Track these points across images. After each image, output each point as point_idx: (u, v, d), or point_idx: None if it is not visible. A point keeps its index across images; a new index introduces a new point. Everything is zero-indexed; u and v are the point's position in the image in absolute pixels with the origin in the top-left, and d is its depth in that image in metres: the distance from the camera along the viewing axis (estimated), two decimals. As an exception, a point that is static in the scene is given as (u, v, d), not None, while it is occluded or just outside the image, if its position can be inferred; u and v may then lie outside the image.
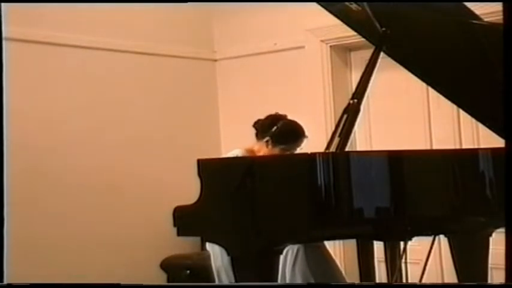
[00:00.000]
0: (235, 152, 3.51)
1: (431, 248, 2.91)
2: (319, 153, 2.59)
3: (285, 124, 3.53)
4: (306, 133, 3.52)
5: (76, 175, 4.60)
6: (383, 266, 2.91)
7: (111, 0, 4.49)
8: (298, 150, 3.48)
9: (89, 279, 4.30)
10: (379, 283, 3.29)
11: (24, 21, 4.29)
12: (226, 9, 5.35)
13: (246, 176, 2.64)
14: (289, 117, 3.60)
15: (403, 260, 2.84)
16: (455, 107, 3.72)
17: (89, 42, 4.74)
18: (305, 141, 3.50)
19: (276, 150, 3.48)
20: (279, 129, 3.49)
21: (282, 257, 2.74)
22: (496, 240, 2.97)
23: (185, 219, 2.79)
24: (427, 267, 2.96)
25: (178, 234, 2.82)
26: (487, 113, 3.12)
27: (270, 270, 2.64)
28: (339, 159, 2.62)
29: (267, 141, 3.50)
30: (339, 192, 2.53)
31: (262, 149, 3.53)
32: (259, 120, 3.59)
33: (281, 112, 3.61)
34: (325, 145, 3.02)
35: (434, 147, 4.56)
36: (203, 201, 2.72)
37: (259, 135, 3.55)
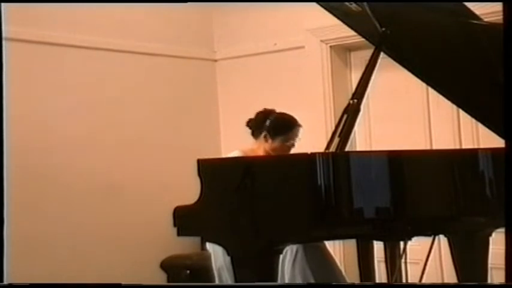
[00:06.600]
0: (235, 153, 3.52)
1: (431, 248, 2.90)
2: (319, 153, 2.59)
3: (277, 115, 3.57)
4: (299, 123, 3.55)
5: (76, 175, 4.60)
6: (383, 266, 2.91)
7: (111, 0, 4.49)
8: (297, 141, 3.52)
9: (89, 279, 4.30)
10: (379, 283, 3.29)
11: (24, 21, 4.29)
12: (226, 9, 5.35)
13: (246, 176, 2.64)
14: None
15: (403, 260, 2.84)
16: (455, 107, 3.71)
17: (89, 42, 4.73)
18: (301, 130, 3.54)
19: (276, 143, 3.51)
20: (273, 121, 3.53)
21: (280, 256, 2.73)
22: (496, 240, 2.97)
23: (185, 219, 2.79)
24: (427, 267, 2.96)
25: (178, 234, 2.82)
26: (487, 113, 3.12)
27: (270, 270, 2.64)
28: (339, 159, 2.62)
29: (265, 136, 3.53)
30: (339, 192, 2.53)
31: (261, 145, 3.55)
32: (251, 119, 3.62)
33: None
34: (325, 145, 3.02)
35: (434, 147, 4.55)
36: (203, 201, 2.72)
37: (255, 132, 3.59)
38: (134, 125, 4.96)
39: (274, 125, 3.53)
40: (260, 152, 3.55)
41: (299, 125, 3.55)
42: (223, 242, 2.75)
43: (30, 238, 4.26)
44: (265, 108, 3.62)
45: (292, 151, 3.52)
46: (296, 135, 3.53)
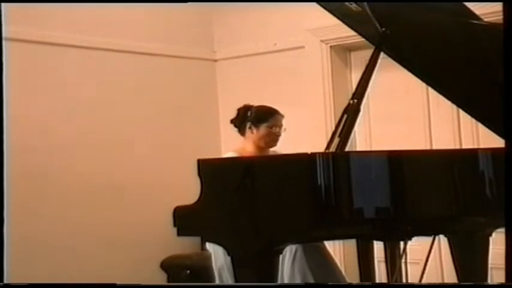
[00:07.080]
0: (229, 154, 3.55)
1: (431, 248, 2.90)
2: (319, 153, 2.59)
3: (258, 106, 3.67)
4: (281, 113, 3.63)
5: (76, 175, 4.59)
6: (383, 266, 2.91)
7: (111, 0, 4.49)
8: (283, 131, 3.59)
9: (89, 279, 4.29)
10: (379, 283, 3.29)
11: (24, 21, 4.29)
12: (226, 9, 5.35)
13: (246, 176, 2.64)
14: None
15: (403, 260, 2.84)
16: (455, 107, 3.72)
17: (89, 42, 4.73)
18: (284, 120, 3.61)
19: (262, 130, 3.58)
20: (255, 111, 3.63)
21: (280, 256, 2.73)
22: (496, 240, 2.96)
23: (185, 219, 2.79)
24: (427, 267, 2.96)
25: (178, 234, 2.82)
26: (487, 113, 3.12)
27: (270, 270, 2.64)
28: (339, 159, 2.62)
29: (250, 128, 3.60)
30: (339, 192, 2.53)
31: (250, 139, 3.61)
32: (233, 118, 3.69)
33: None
34: (325, 145, 3.02)
35: (434, 147, 4.55)
36: (203, 201, 2.72)
37: (241, 128, 3.66)
38: (134, 125, 4.96)
39: (256, 114, 3.61)
40: (250, 146, 3.60)
41: (281, 114, 3.62)
42: (223, 242, 2.75)
43: (30, 238, 4.26)
44: (244, 104, 3.69)
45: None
46: (280, 123, 3.60)
